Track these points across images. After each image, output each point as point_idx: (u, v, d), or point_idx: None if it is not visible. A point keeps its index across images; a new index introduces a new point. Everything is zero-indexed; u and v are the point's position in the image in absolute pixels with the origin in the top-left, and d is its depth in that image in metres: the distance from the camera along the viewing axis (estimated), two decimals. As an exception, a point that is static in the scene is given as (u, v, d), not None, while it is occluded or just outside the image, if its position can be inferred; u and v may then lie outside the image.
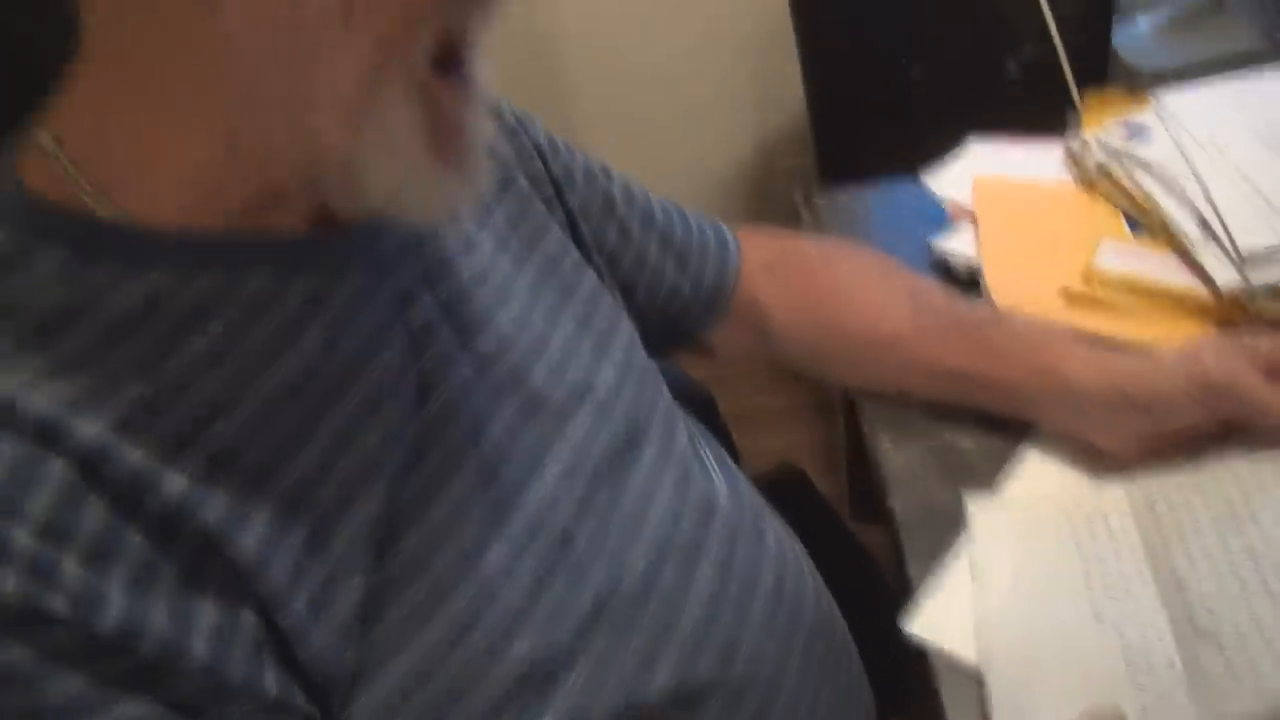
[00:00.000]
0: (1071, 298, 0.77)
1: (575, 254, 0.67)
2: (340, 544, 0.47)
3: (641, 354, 0.68)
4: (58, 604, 0.39)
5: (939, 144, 1.04)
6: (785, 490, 0.91)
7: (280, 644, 0.45)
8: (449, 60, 0.46)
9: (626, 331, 0.67)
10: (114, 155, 0.46)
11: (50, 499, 0.40)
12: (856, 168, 1.47)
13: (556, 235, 0.66)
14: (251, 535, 0.44)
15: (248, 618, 0.44)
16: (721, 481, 0.66)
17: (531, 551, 0.54)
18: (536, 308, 0.62)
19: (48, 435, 0.40)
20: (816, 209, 0.99)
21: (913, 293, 0.74)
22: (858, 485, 1.53)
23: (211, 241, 0.47)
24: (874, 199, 1.00)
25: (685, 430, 0.68)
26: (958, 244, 0.86)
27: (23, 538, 0.38)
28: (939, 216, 0.92)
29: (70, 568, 0.39)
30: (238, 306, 0.47)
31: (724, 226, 0.80)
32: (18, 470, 0.39)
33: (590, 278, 0.67)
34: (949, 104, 1.44)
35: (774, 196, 1.93)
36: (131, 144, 0.46)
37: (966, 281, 0.84)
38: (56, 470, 0.40)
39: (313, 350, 0.49)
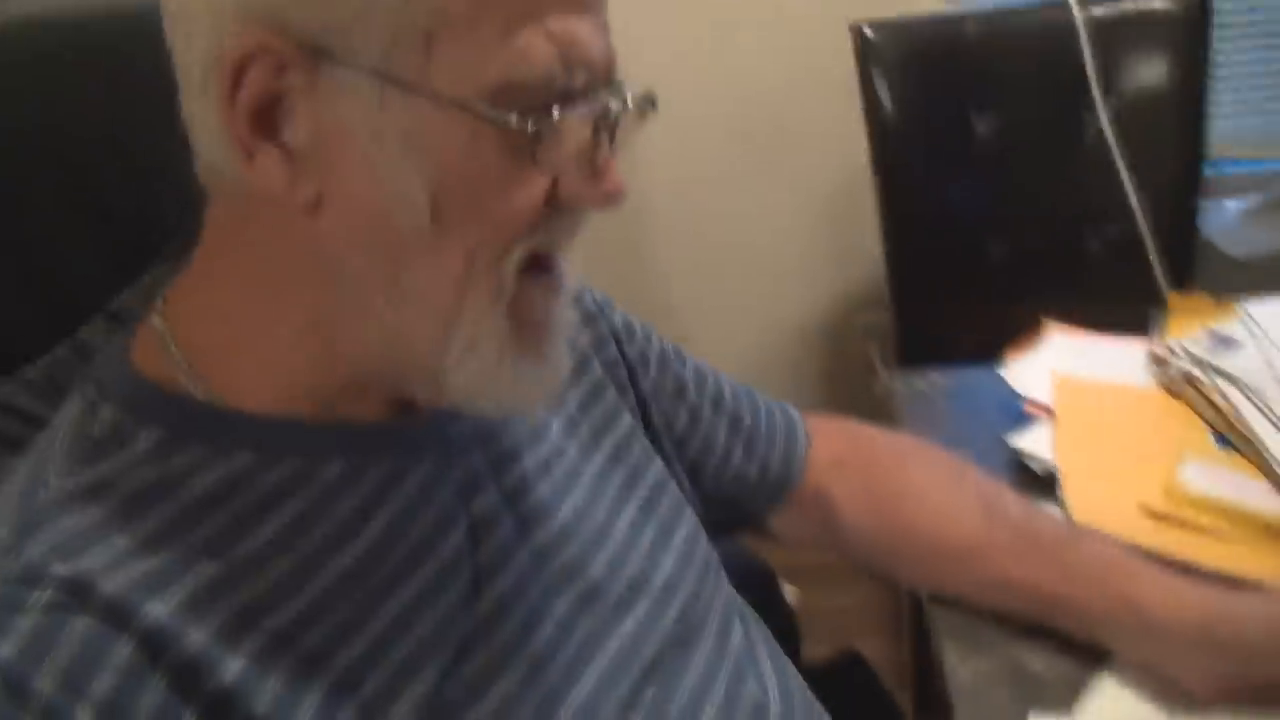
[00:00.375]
0: (1153, 515, 0.75)
1: (644, 440, 0.68)
2: None
3: (703, 544, 0.68)
4: None
5: (1018, 321, 1.03)
6: (846, 678, 0.89)
7: None
8: (539, 264, 0.49)
9: (690, 521, 0.67)
10: (215, 342, 0.50)
11: (113, 679, 0.41)
12: (934, 331, 1.48)
13: (626, 421, 0.67)
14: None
15: None
16: (774, 684, 0.65)
17: None
18: (601, 497, 0.63)
19: (119, 616, 0.42)
20: (890, 393, 0.98)
21: (986, 502, 0.73)
22: (922, 684, 1.48)
23: (296, 428, 0.49)
24: (950, 385, 0.99)
25: (742, 626, 0.67)
26: (1035, 443, 0.85)
27: (84, 717, 0.40)
28: (1016, 410, 0.90)
29: None
30: (314, 491, 0.49)
31: (795, 414, 0.80)
32: (87, 650, 0.41)
33: (657, 465, 0.68)
34: (1030, 281, 1.45)
35: (850, 352, 1.93)
36: (232, 333, 0.49)
37: (1043, 482, 0.82)
38: (123, 651, 0.41)
39: (378, 538, 0.50)
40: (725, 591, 0.68)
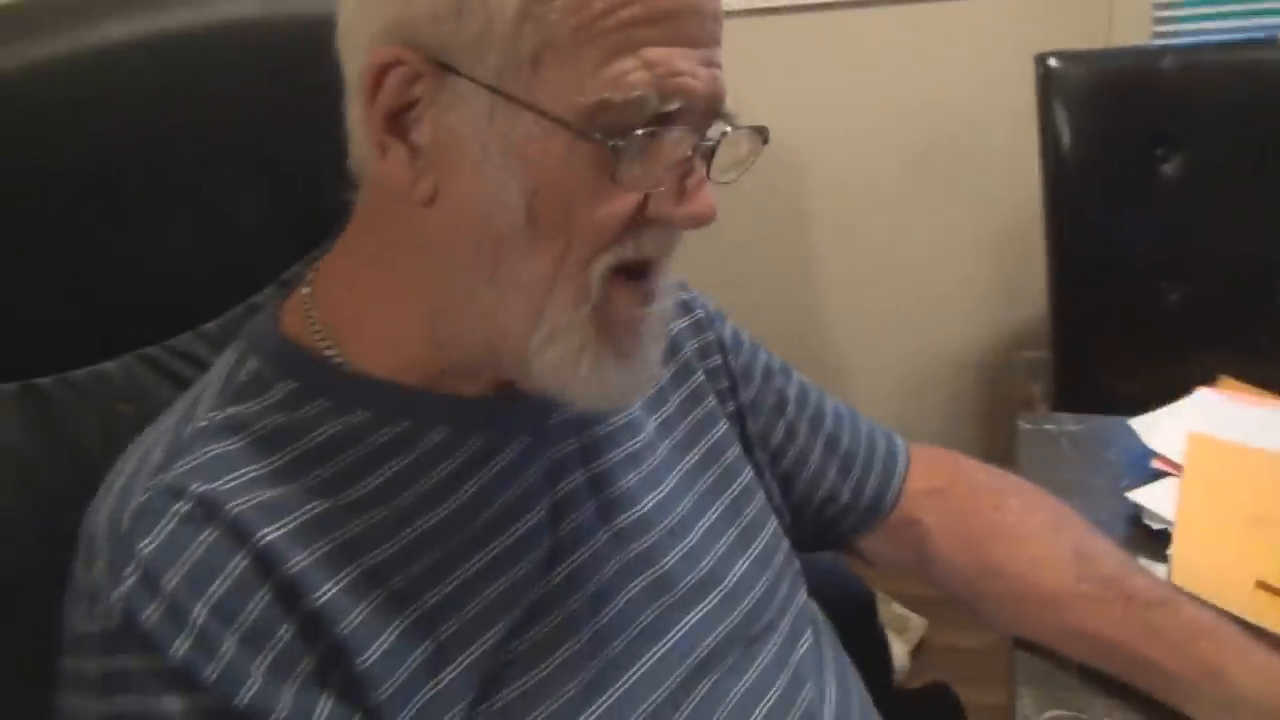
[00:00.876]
0: (1262, 586, 0.71)
1: (737, 449, 0.71)
2: (451, 674, 0.53)
3: (784, 554, 0.70)
4: (210, 673, 0.47)
5: (1188, 373, 0.99)
6: (930, 709, 0.88)
7: None
8: (632, 272, 0.53)
9: (771, 531, 0.70)
10: (348, 313, 0.57)
11: (228, 586, 0.49)
12: (1095, 376, 1.42)
13: (722, 428, 0.71)
14: (377, 650, 0.51)
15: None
16: (833, 696, 0.67)
17: None
18: (685, 495, 0.66)
19: (239, 534, 0.50)
20: (1022, 432, 0.97)
21: (1082, 553, 0.71)
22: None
23: (409, 394, 0.56)
24: (1079, 431, 0.96)
25: (813, 636, 0.69)
26: (1156, 500, 0.82)
27: (201, 614, 0.47)
28: (1144, 464, 0.88)
29: (230, 645, 0.48)
30: (418, 452, 0.56)
31: (900, 443, 0.81)
32: (210, 558, 0.49)
33: (747, 474, 0.71)
34: (1205, 333, 1.37)
35: (1009, 390, 1.87)
36: (363, 307, 0.57)
37: (1156, 541, 0.79)
38: (239, 564, 0.49)
39: (468, 501, 0.56)
40: (800, 602, 0.70)
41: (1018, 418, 0.99)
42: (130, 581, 0.47)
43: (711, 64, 0.51)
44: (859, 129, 1.77)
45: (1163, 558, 0.77)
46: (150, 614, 0.47)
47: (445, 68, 0.49)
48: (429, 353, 0.56)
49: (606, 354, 0.53)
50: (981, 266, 1.81)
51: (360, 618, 0.51)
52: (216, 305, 0.73)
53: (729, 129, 0.53)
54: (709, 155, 0.52)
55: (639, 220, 0.51)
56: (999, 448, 0.84)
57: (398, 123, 0.51)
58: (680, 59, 0.48)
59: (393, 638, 0.52)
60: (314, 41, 0.72)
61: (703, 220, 0.52)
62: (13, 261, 0.62)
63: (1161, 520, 0.80)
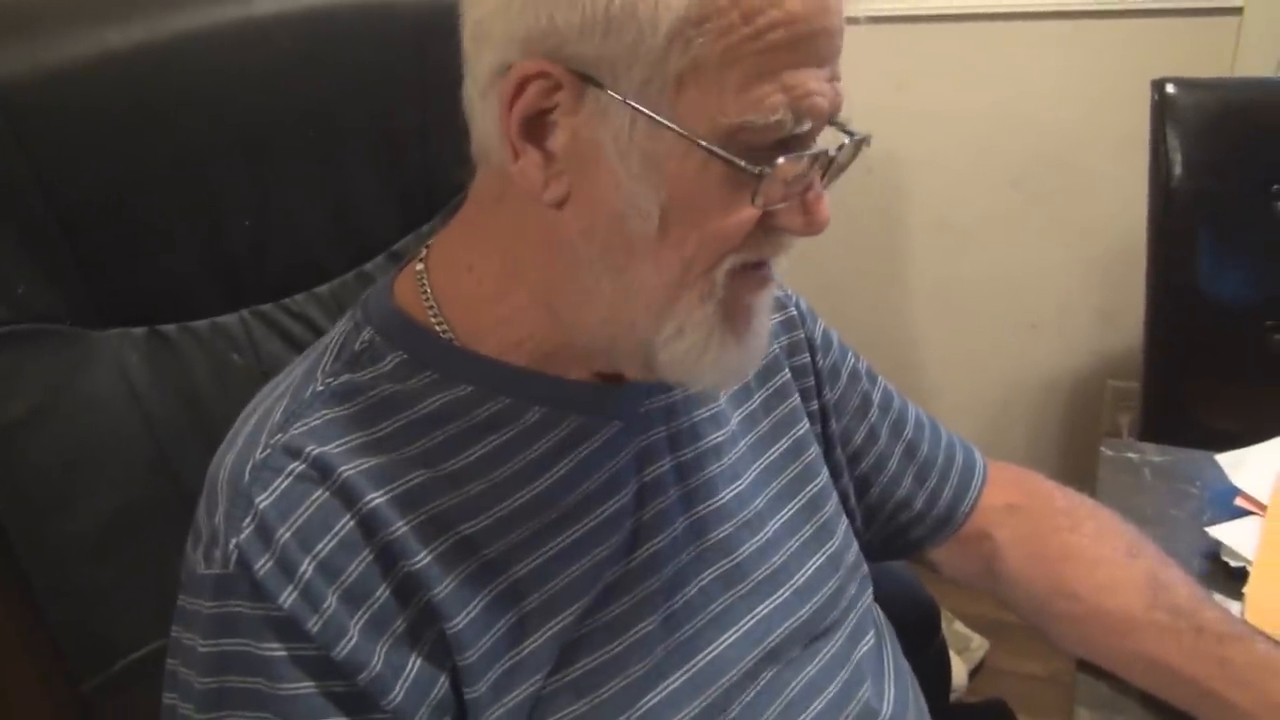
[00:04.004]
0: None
1: (816, 448, 0.73)
2: (532, 645, 0.56)
3: (854, 555, 0.71)
4: (313, 624, 0.50)
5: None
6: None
7: (460, 716, 0.54)
8: (750, 264, 0.55)
9: (843, 532, 0.71)
10: (460, 292, 0.60)
11: (335, 545, 0.52)
12: (1185, 411, 1.39)
13: (804, 427, 0.72)
14: (466, 617, 0.54)
15: (442, 683, 0.54)
16: (891, 698, 0.68)
17: (689, 706, 0.59)
18: (763, 490, 0.68)
19: (348, 497, 0.53)
20: (1105, 458, 0.96)
21: (1156, 581, 0.71)
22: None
23: (511, 372, 0.59)
24: (1161, 462, 0.95)
25: (875, 639, 0.70)
26: (1237, 538, 0.81)
27: (309, 569, 0.51)
28: (1226, 501, 0.86)
29: (332, 600, 0.51)
30: (517, 429, 0.58)
31: (979, 457, 0.82)
32: (320, 517, 0.52)
33: (824, 474, 0.72)
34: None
35: (1098, 418, 1.84)
36: (475, 287, 0.59)
37: (1233, 579, 0.78)
38: (346, 525, 0.52)
39: (560, 481, 0.59)
40: (865, 603, 0.71)
41: (1101, 444, 0.98)
42: (247, 532, 0.51)
43: (834, 78, 0.52)
44: (963, 142, 1.75)
45: (1238, 595, 0.76)
46: (263, 564, 0.50)
47: (589, 80, 0.50)
48: (536, 339, 0.58)
49: (729, 339, 0.55)
50: (1078, 290, 1.78)
51: (451, 585, 0.54)
52: (331, 270, 0.77)
53: (846, 140, 0.54)
54: (827, 167, 0.54)
55: (761, 229, 0.53)
56: (1079, 475, 0.83)
57: (532, 128, 0.52)
58: (813, 80, 0.50)
59: (480, 606, 0.54)
60: (441, 24, 0.77)
61: (820, 230, 0.54)
62: (151, 219, 0.67)
63: (1240, 558, 0.79)
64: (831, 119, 0.53)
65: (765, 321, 0.59)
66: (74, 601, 0.64)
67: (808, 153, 0.52)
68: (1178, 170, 1.36)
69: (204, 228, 0.69)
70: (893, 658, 0.71)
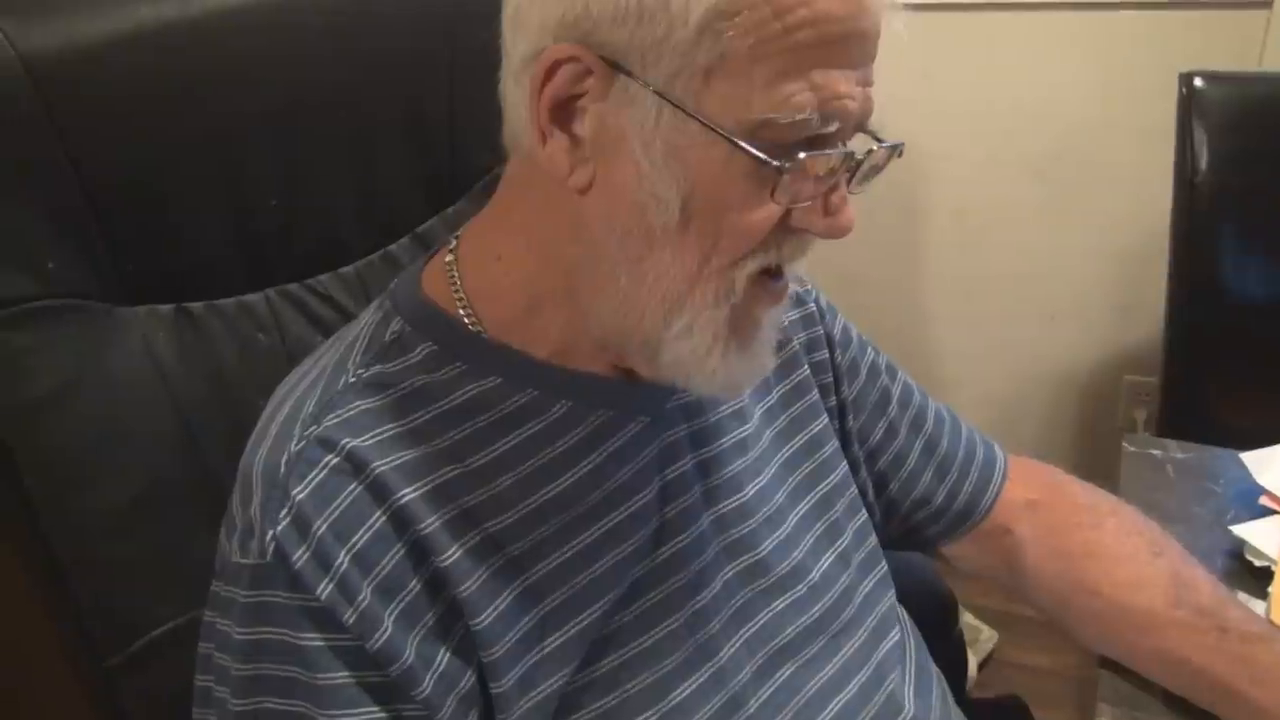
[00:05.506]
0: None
1: (834, 443, 0.72)
2: (558, 640, 0.56)
3: (869, 550, 0.71)
4: (349, 616, 0.51)
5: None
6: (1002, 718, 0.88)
7: (487, 709, 0.54)
8: (768, 272, 0.54)
9: (860, 527, 0.71)
10: (488, 282, 0.60)
11: (370, 538, 0.52)
12: (1203, 409, 1.38)
13: (822, 422, 0.72)
14: (493, 612, 0.54)
15: (469, 676, 0.54)
16: (912, 695, 0.67)
17: (711, 701, 0.60)
18: (782, 485, 0.68)
19: (381, 492, 0.53)
20: (1127, 455, 0.95)
21: (1179, 580, 0.71)
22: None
23: (538, 365, 0.59)
24: (1185, 459, 0.95)
25: (899, 635, 0.70)
26: (1261, 537, 0.81)
27: (345, 561, 0.51)
28: (1251, 500, 0.86)
29: (366, 593, 0.51)
30: (544, 423, 0.58)
31: (1000, 452, 0.81)
32: (355, 511, 0.52)
33: (841, 469, 0.72)
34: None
35: (1113, 412, 1.83)
36: (503, 276, 0.59)
37: (1257, 577, 0.78)
38: (379, 519, 0.53)
39: (586, 476, 0.59)
40: (887, 601, 0.71)
41: (1123, 440, 0.97)
42: (284, 524, 0.51)
43: (866, 82, 0.52)
44: (986, 133, 1.74)
45: (1262, 595, 0.76)
46: (300, 555, 0.50)
47: (617, 68, 0.50)
48: (561, 324, 0.58)
49: (733, 347, 0.55)
50: (1096, 284, 1.77)
51: (479, 581, 0.54)
52: (356, 251, 0.77)
53: (875, 146, 0.54)
54: (854, 170, 0.53)
55: (782, 228, 0.53)
56: (1093, 469, 0.83)
57: (561, 113, 0.52)
58: (842, 82, 0.50)
59: (506, 602, 0.54)
60: (470, 9, 0.77)
61: (843, 234, 0.53)
62: (180, 197, 0.67)
63: (1264, 557, 0.79)
64: (862, 124, 0.53)
65: (772, 337, 0.58)
66: (99, 576, 0.64)
67: (832, 152, 0.51)
68: (1203, 164, 1.35)
69: (232, 206, 0.69)
70: (916, 659, 0.71)
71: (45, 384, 0.61)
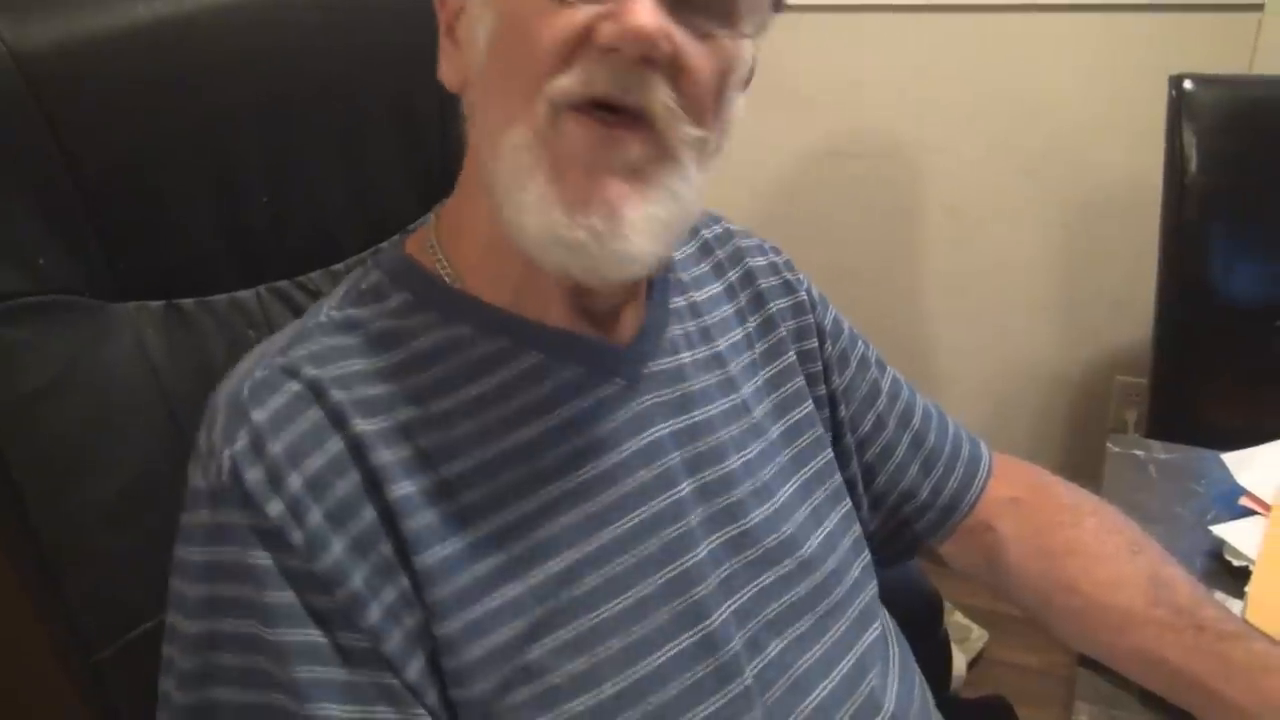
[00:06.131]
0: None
1: (819, 430, 0.73)
2: (512, 592, 0.55)
3: (850, 540, 0.72)
4: (298, 537, 0.51)
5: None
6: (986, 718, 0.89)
7: (433, 649, 0.54)
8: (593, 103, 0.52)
9: (844, 514, 0.72)
10: (456, 230, 0.62)
11: (323, 461, 0.53)
12: (1192, 409, 1.39)
13: (808, 408, 0.73)
14: (442, 553, 0.54)
15: (416, 614, 0.54)
16: (894, 691, 0.68)
17: (697, 668, 0.59)
18: (770, 461, 0.68)
19: (338, 419, 0.54)
20: (1111, 455, 0.96)
21: (1157, 578, 0.71)
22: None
23: (510, 316, 0.60)
24: (1168, 460, 0.95)
25: (880, 629, 0.71)
26: (1240, 537, 0.81)
27: (296, 482, 0.52)
28: (1231, 500, 0.87)
29: (316, 516, 0.52)
30: (512, 373, 0.59)
31: (985, 449, 0.82)
32: (311, 433, 0.53)
33: (826, 455, 0.73)
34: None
35: (1103, 412, 1.84)
36: (465, 221, 0.61)
37: (1235, 578, 0.79)
38: (335, 445, 0.54)
39: (554, 430, 0.59)
40: (870, 591, 0.72)
41: (1107, 440, 0.98)
42: (241, 443, 0.52)
43: None
44: (979, 131, 1.75)
45: (1240, 594, 0.76)
46: (253, 475, 0.51)
47: None
48: (502, 265, 0.58)
49: (554, 196, 0.52)
50: (1088, 283, 1.77)
51: (426, 520, 0.54)
52: (347, 248, 0.77)
53: None
54: None
55: (586, 47, 0.51)
56: (1083, 468, 0.84)
57: (452, 30, 0.57)
58: None
59: (457, 546, 0.55)
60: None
61: (631, 36, 0.49)
62: (171, 192, 0.67)
63: (1243, 558, 0.80)
64: None
65: (642, 221, 0.53)
66: (90, 569, 0.64)
67: None
68: (1193, 167, 1.35)
69: (223, 202, 0.70)
70: (899, 656, 0.72)
71: (36, 379, 0.62)
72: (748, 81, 0.59)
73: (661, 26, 0.50)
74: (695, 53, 0.52)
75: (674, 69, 0.52)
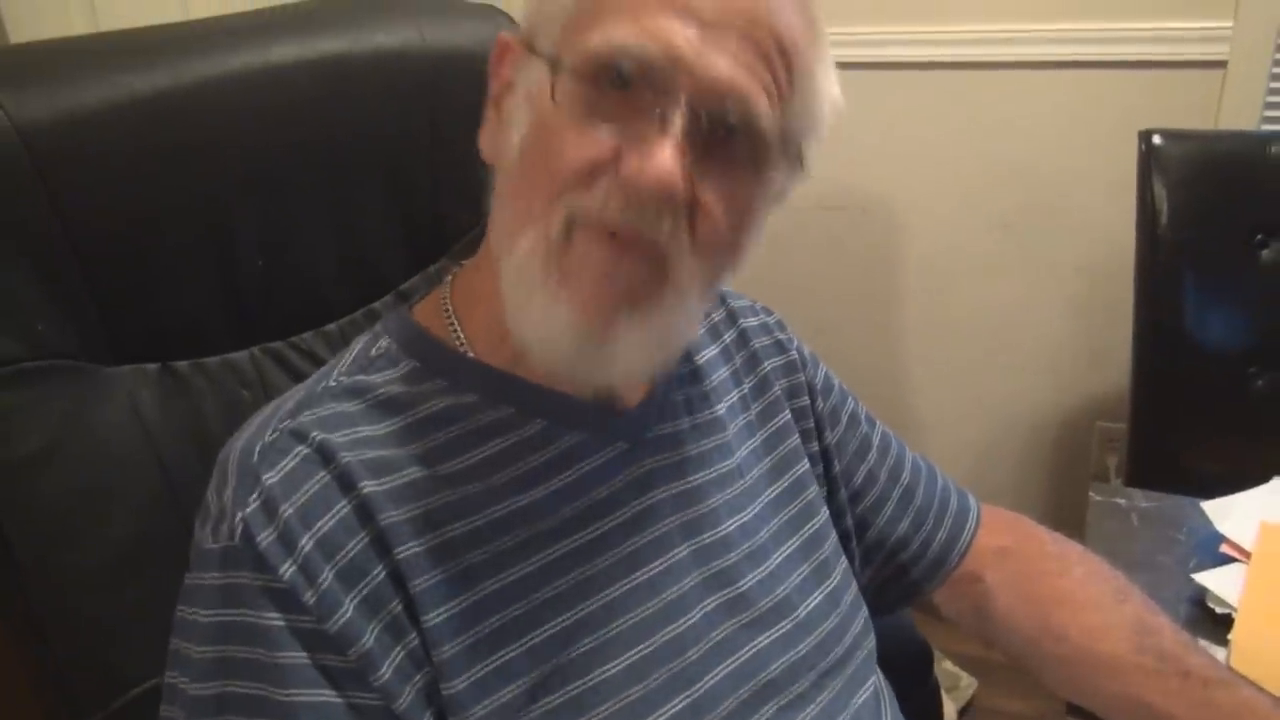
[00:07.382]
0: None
1: (816, 487, 0.74)
2: (513, 653, 0.56)
3: (851, 595, 0.72)
4: (310, 598, 0.52)
5: (1270, 461, 0.99)
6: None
7: (441, 708, 0.55)
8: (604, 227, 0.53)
9: (842, 573, 0.73)
10: (470, 301, 0.63)
11: (333, 524, 0.54)
12: (1172, 454, 1.41)
13: (804, 466, 0.74)
14: (444, 613, 0.55)
15: (426, 671, 0.55)
16: None
17: None
18: (766, 523, 0.69)
19: (347, 482, 0.55)
20: (1093, 504, 0.98)
21: (1143, 626, 0.72)
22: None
23: (517, 383, 0.61)
24: (1148, 508, 0.97)
25: (874, 685, 0.71)
26: (1222, 584, 0.83)
27: (308, 544, 0.53)
28: (1212, 548, 0.88)
29: (328, 577, 0.53)
30: (516, 439, 0.60)
31: (973, 502, 0.83)
32: (321, 497, 0.54)
33: (823, 514, 0.73)
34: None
35: (1085, 459, 1.86)
36: (479, 285, 0.62)
37: (1218, 625, 0.80)
38: (344, 507, 0.55)
39: (558, 493, 0.60)
40: (867, 648, 0.72)
41: (1090, 489, 1.00)
42: (253, 506, 0.53)
43: (720, 45, 0.52)
44: (955, 186, 1.79)
45: (1223, 642, 0.77)
46: (266, 536, 0.52)
47: (530, 49, 0.56)
48: (509, 330, 0.58)
49: (561, 306, 0.53)
50: (1066, 333, 1.81)
51: (434, 579, 0.55)
52: (339, 308, 0.79)
53: (705, 115, 0.52)
54: (685, 129, 0.51)
55: (610, 172, 0.52)
56: (1067, 515, 0.85)
57: (499, 100, 0.59)
58: (676, 27, 0.51)
59: (461, 606, 0.55)
60: (454, 72, 0.79)
61: (646, 179, 0.51)
62: (168, 259, 0.69)
63: (1226, 605, 0.81)
64: (702, 82, 0.51)
65: (639, 336, 0.54)
66: (82, 634, 0.64)
67: (656, 93, 0.51)
68: (1164, 218, 1.39)
69: (219, 267, 0.71)
70: (891, 710, 0.72)
71: (31, 444, 0.63)
72: (784, 195, 0.61)
73: (681, 172, 0.51)
74: (715, 197, 0.54)
75: (691, 208, 0.54)
